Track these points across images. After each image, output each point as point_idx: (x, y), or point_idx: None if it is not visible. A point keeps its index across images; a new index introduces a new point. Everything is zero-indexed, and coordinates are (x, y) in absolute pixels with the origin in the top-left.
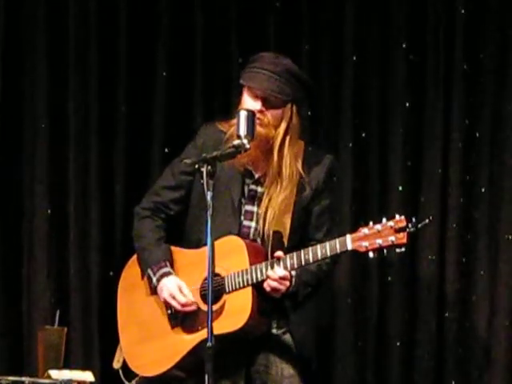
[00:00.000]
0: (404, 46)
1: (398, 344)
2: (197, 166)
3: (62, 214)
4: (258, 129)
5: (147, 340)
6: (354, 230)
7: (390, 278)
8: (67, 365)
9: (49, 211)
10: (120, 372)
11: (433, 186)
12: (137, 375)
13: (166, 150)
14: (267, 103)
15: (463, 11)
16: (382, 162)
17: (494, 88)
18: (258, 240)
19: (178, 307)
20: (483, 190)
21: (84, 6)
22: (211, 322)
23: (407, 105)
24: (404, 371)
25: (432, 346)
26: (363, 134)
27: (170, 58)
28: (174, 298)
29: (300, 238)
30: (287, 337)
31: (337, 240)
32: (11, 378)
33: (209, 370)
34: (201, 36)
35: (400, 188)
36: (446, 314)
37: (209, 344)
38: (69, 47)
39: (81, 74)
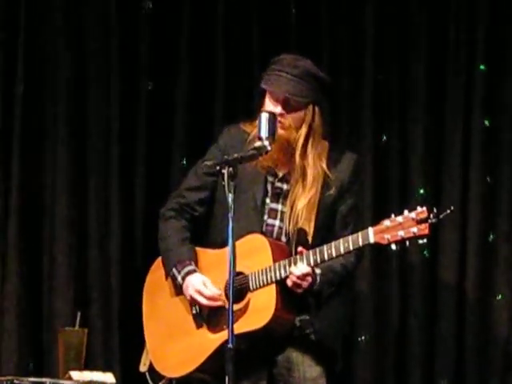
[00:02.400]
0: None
1: (419, 342)
2: (218, 168)
3: (83, 216)
4: (280, 132)
5: (173, 341)
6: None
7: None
8: (88, 366)
9: (68, 214)
10: (147, 375)
11: (454, 190)
12: (163, 377)
13: (184, 161)
14: (288, 106)
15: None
16: (402, 164)
17: None
18: (283, 238)
19: (205, 302)
20: (505, 195)
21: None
22: (233, 322)
23: (427, 108)
24: (425, 373)
25: (452, 349)
26: (384, 137)
27: (192, 62)
28: (199, 293)
29: (325, 237)
30: (310, 338)
31: (359, 233)
32: (32, 379)
33: (229, 371)
34: (222, 41)
35: (421, 191)
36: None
37: (229, 345)
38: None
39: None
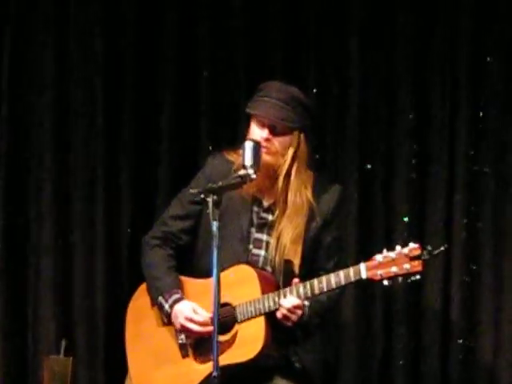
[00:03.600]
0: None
1: (403, 370)
2: (203, 196)
3: (67, 244)
4: (265, 157)
5: (157, 370)
6: (359, 260)
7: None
8: None
9: (54, 237)
10: None
11: (438, 218)
12: None
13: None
14: (274, 131)
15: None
16: (387, 193)
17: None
18: (268, 268)
19: (197, 328)
20: (488, 221)
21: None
22: (217, 351)
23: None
24: None
25: (436, 374)
26: (368, 166)
27: (176, 88)
28: (191, 320)
29: (309, 268)
30: (295, 366)
31: (351, 268)
32: None
33: None
34: (207, 67)
35: (405, 219)
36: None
37: (214, 374)
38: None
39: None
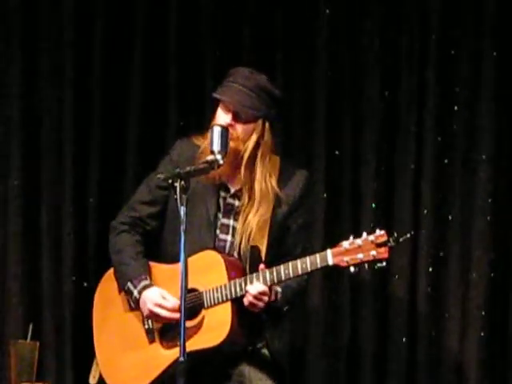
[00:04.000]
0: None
1: (370, 358)
2: (170, 181)
3: (35, 227)
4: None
5: (124, 355)
6: (326, 246)
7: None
8: (40, 379)
9: (21, 224)
10: None
11: (405, 205)
12: None
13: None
14: (238, 117)
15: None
16: (354, 179)
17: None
18: (235, 254)
19: (166, 314)
20: (455, 208)
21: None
22: (184, 336)
23: (380, 120)
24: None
25: (403, 363)
26: (336, 152)
27: (145, 70)
28: (160, 306)
29: (276, 254)
30: (262, 352)
31: (317, 255)
32: None
33: None
34: (175, 54)
35: (373, 205)
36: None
37: (181, 359)
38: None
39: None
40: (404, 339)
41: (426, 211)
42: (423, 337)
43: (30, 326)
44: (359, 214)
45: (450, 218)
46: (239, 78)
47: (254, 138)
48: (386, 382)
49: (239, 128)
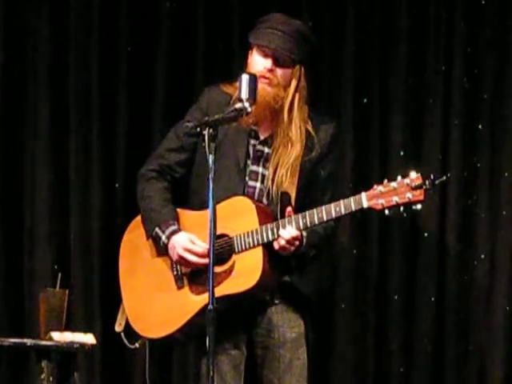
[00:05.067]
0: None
1: (397, 298)
2: (199, 129)
3: (63, 177)
4: (267, 89)
5: (152, 302)
6: (354, 193)
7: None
8: (69, 327)
9: (50, 176)
10: (122, 335)
11: (433, 153)
12: (139, 337)
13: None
14: (277, 62)
15: None
16: (382, 128)
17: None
18: (264, 200)
19: (195, 259)
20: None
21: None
22: (213, 284)
23: (408, 71)
24: (404, 325)
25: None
26: (364, 100)
27: (172, 29)
28: (188, 250)
29: (304, 201)
30: (290, 296)
31: (351, 198)
32: (13, 340)
33: (210, 333)
34: (203, 7)
35: (401, 153)
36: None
37: (210, 306)
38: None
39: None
40: (433, 279)
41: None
42: (453, 279)
43: (59, 275)
44: (387, 162)
45: (478, 164)
46: (275, 23)
47: (293, 83)
48: (414, 315)
49: (279, 73)
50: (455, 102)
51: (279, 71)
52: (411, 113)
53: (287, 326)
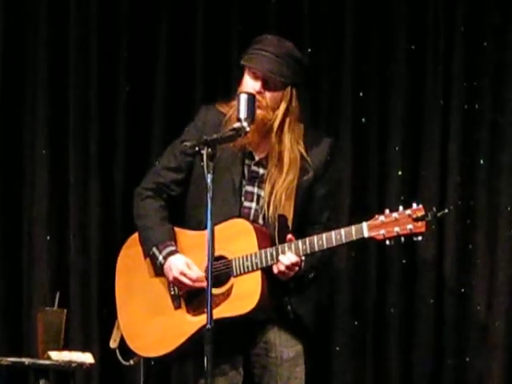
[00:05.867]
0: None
1: (397, 322)
2: (197, 149)
3: (62, 196)
4: (256, 111)
5: (149, 320)
6: (352, 212)
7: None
8: (67, 346)
9: (49, 195)
10: (117, 352)
11: (432, 172)
12: (134, 355)
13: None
14: (267, 85)
15: None
16: (380, 147)
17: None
18: (260, 221)
19: (189, 283)
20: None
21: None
22: (211, 303)
23: (407, 91)
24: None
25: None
26: (363, 120)
27: (170, 40)
28: (184, 274)
29: (302, 222)
30: (289, 317)
31: (352, 227)
32: (11, 359)
33: (208, 353)
34: (201, 21)
35: (399, 173)
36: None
37: (208, 326)
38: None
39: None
40: (431, 299)
41: (454, 184)
42: (450, 295)
43: (57, 294)
44: (386, 181)
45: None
46: (267, 45)
47: (283, 105)
48: (414, 341)
49: (268, 96)
50: (454, 123)
51: (268, 94)
52: (410, 133)
53: (284, 345)
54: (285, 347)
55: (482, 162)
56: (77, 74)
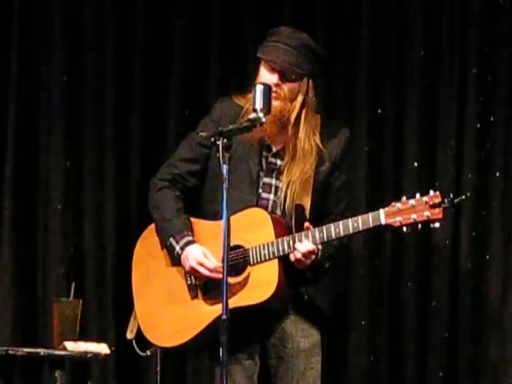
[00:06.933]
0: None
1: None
2: (213, 139)
3: (78, 186)
4: (274, 103)
5: (165, 310)
6: (368, 202)
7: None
8: (82, 337)
9: (64, 183)
10: (133, 342)
11: (447, 164)
12: (151, 345)
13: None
14: (284, 77)
15: None
16: (396, 137)
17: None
18: (278, 212)
19: (207, 273)
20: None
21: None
22: (227, 293)
23: (423, 81)
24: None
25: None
26: (379, 111)
27: (185, 33)
28: (201, 264)
29: (319, 212)
30: (305, 306)
31: (369, 214)
32: (27, 350)
33: (223, 343)
34: (216, 11)
35: (415, 164)
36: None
37: (224, 316)
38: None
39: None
40: (446, 289)
41: (469, 175)
42: (466, 288)
43: (73, 284)
44: (401, 172)
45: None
46: (282, 37)
47: (300, 97)
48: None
49: (285, 87)
50: (470, 114)
51: (286, 85)
52: (425, 123)
53: (301, 335)
54: (301, 337)
55: (496, 151)
56: (93, 74)
